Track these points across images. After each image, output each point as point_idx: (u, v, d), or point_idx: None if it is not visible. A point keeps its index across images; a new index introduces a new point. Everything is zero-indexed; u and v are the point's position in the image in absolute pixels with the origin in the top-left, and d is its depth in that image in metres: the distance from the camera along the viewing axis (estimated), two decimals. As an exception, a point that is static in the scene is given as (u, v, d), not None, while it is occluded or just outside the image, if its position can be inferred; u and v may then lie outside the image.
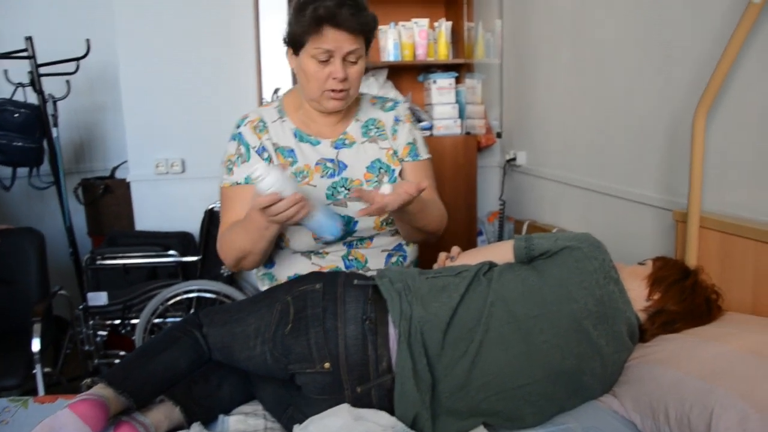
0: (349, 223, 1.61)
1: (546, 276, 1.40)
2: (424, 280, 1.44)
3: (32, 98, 2.93)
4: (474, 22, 3.25)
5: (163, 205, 3.24)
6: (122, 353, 3.02)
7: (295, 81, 3.12)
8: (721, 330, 1.45)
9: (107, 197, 3.40)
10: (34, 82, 2.88)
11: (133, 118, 3.18)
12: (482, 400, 1.32)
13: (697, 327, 1.48)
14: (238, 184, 1.64)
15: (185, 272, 2.98)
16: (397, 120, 1.76)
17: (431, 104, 3.21)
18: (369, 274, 1.60)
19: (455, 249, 1.67)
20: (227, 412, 1.50)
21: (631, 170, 2.19)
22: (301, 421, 1.33)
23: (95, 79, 3.56)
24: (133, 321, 2.89)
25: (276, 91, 3.15)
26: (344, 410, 1.28)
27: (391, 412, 1.32)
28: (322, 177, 1.63)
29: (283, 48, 1.63)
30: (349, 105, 1.67)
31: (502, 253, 1.53)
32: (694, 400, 1.23)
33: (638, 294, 1.49)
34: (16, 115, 2.89)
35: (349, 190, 1.63)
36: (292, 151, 1.65)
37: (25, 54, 2.84)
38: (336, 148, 1.67)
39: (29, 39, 2.83)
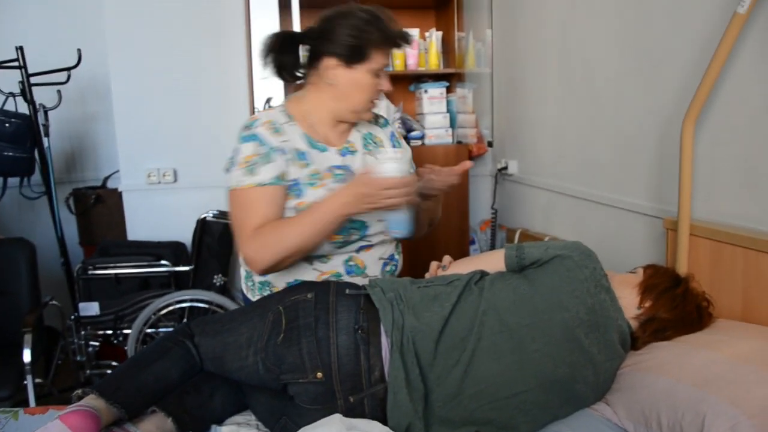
0: (360, 228, 1.63)
1: (537, 285, 1.40)
2: (415, 290, 1.44)
3: (23, 108, 2.92)
4: (464, 32, 3.28)
5: (155, 215, 3.23)
6: (114, 364, 3.00)
7: (287, 91, 3.14)
8: (712, 337, 1.45)
9: (99, 207, 3.39)
10: (25, 92, 2.87)
11: (125, 127, 3.18)
12: (475, 409, 1.32)
13: (689, 334, 1.49)
14: (263, 184, 1.56)
15: (177, 282, 2.97)
16: (393, 135, 1.84)
17: (422, 114, 3.23)
18: (361, 283, 1.60)
19: (447, 258, 1.68)
20: (219, 422, 1.49)
21: (621, 179, 2.20)
22: (293, 431, 1.33)
23: (86, 89, 3.55)
24: (125, 331, 2.88)
25: (268, 100, 3.16)
26: (337, 420, 1.28)
27: (384, 422, 1.32)
28: (334, 182, 1.63)
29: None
30: None
31: (494, 262, 1.53)
32: (686, 407, 1.23)
33: (629, 302, 1.49)
34: (7, 125, 2.87)
35: None
36: (304, 154, 1.63)
37: (16, 64, 2.82)
38: (342, 155, 1.68)
39: (20, 49, 2.82)
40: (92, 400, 1.32)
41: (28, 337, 2.32)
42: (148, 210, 3.24)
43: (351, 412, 1.32)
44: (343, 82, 1.61)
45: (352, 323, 1.36)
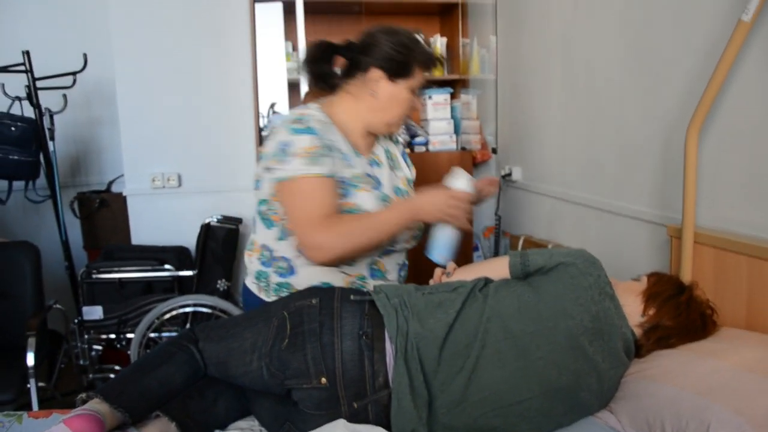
0: None
1: (542, 292, 1.40)
2: (420, 296, 1.44)
3: (29, 112, 2.93)
4: (469, 38, 3.29)
5: (159, 220, 3.24)
6: (117, 368, 3.00)
7: (290, 96, 3.15)
8: (716, 346, 1.45)
9: (103, 211, 3.40)
10: (31, 96, 2.88)
11: (130, 132, 3.19)
12: (479, 417, 1.32)
13: (693, 342, 1.49)
14: (326, 176, 1.57)
15: (181, 287, 2.98)
16: (404, 154, 1.92)
17: (427, 120, 3.23)
18: (365, 289, 1.60)
19: (451, 265, 1.68)
20: (223, 427, 1.50)
21: (625, 186, 2.20)
22: (297, 437, 1.33)
23: (92, 93, 3.57)
24: (129, 335, 2.88)
25: (272, 105, 3.17)
26: (340, 426, 1.28)
27: (388, 428, 1.32)
28: (374, 189, 1.67)
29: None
30: None
31: (498, 268, 1.53)
32: (691, 416, 1.23)
33: (633, 310, 1.49)
34: (13, 128, 2.89)
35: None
36: (347, 156, 1.66)
37: (22, 68, 2.84)
38: (371, 165, 1.72)
39: (26, 53, 2.84)
40: (96, 404, 1.32)
41: (31, 341, 2.32)
42: (152, 214, 3.24)
43: (355, 417, 1.32)
44: (383, 95, 1.66)
45: (357, 329, 1.36)
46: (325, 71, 1.71)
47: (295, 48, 3.14)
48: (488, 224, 3.43)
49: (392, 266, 1.75)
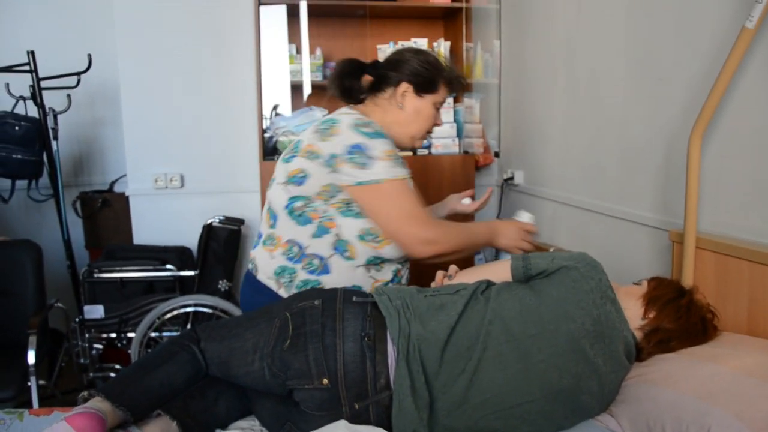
0: None
1: (543, 295, 1.40)
2: (422, 298, 1.45)
3: (33, 111, 2.94)
4: (473, 42, 3.29)
5: (161, 220, 3.25)
6: (117, 367, 3.01)
7: (293, 98, 3.15)
8: (717, 350, 1.45)
9: (105, 211, 3.41)
10: (35, 96, 2.89)
11: (133, 132, 3.20)
12: (480, 419, 1.32)
13: (693, 346, 1.49)
14: (408, 179, 1.69)
15: (182, 287, 2.99)
16: None
17: (430, 123, 3.23)
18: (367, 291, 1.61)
19: (453, 267, 1.68)
20: (224, 427, 1.50)
21: (627, 190, 2.21)
22: (298, 437, 1.34)
23: (96, 94, 3.57)
24: (129, 335, 2.89)
25: (275, 107, 3.17)
26: (342, 426, 1.28)
27: (389, 429, 1.32)
28: None
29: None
30: None
31: (500, 272, 1.54)
32: (691, 420, 1.23)
33: (634, 313, 1.49)
34: (17, 127, 2.89)
35: None
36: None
37: (26, 68, 2.85)
38: None
39: (31, 53, 2.84)
40: (98, 403, 1.32)
41: (32, 339, 2.33)
42: (154, 214, 3.25)
43: (356, 418, 1.32)
44: (409, 109, 1.78)
45: (359, 330, 1.37)
46: (353, 86, 1.82)
47: (298, 51, 3.15)
48: (490, 228, 3.42)
49: (405, 273, 1.83)
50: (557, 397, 1.34)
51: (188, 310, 2.84)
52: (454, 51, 3.29)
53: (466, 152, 3.22)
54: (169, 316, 2.83)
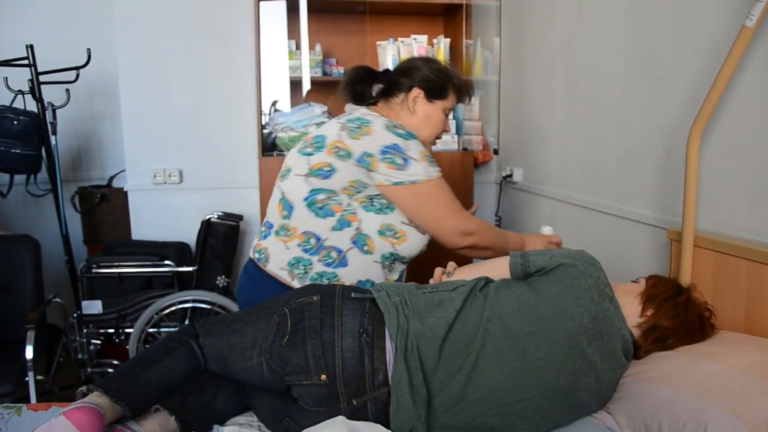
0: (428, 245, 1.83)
1: (542, 293, 1.41)
2: (421, 295, 1.45)
3: (32, 106, 2.94)
4: (472, 39, 3.29)
5: (160, 215, 3.25)
6: (115, 362, 3.01)
7: (293, 95, 3.15)
8: (714, 348, 1.46)
9: (104, 206, 3.41)
10: (34, 90, 2.88)
11: (132, 127, 3.20)
12: (478, 415, 1.32)
13: (691, 344, 1.49)
14: (442, 177, 1.76)
15: (180, 282, 2.98)
16: None
17: (429, 119, 3.22)
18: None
19: (451, 264, 1.69)
20: (222, 422, 1.50)
21: (626, 188, 2.21)
22: (296, 433, 1.34)
23: (95, 89, 3.57)
24: (127, 330, 2.89)
25: (274, 103, 3.17)
26: (340, 422, 1.28)
27: (387, 426, 1.32)
28: None
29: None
30: None
31: (499, 269, 1.54)
32: (688, 418, 1.23)
33: (632, 311, 1.50)
34: (16, 122, 2.89)
35: None
36: None
37: (25, 62, 2.84)
38: None
39: (30, 47, 2.84)
40: (96, 398, 1.32)
41: (30, 334, 2.33)
42: (153, 210, 3.25)
43: (354, 414, 1.32)
44: (420, 113, 1.86)
45: (357, 327, 1.37)
46: (364, 92, 1.90)
47: (298, 46, 3.14)
48: (488, 225, 3.43)
49: (407, 273, 1.87)
50: (555, 394, 1.34)
51: (186, 305, 2.84)
52: (454, 48, 3.29)
53: (465, 149, 3.22)
54: (167, 311, 2.83)
